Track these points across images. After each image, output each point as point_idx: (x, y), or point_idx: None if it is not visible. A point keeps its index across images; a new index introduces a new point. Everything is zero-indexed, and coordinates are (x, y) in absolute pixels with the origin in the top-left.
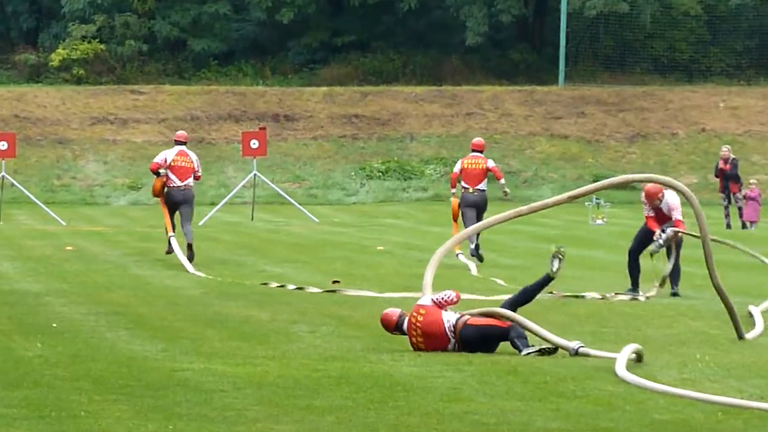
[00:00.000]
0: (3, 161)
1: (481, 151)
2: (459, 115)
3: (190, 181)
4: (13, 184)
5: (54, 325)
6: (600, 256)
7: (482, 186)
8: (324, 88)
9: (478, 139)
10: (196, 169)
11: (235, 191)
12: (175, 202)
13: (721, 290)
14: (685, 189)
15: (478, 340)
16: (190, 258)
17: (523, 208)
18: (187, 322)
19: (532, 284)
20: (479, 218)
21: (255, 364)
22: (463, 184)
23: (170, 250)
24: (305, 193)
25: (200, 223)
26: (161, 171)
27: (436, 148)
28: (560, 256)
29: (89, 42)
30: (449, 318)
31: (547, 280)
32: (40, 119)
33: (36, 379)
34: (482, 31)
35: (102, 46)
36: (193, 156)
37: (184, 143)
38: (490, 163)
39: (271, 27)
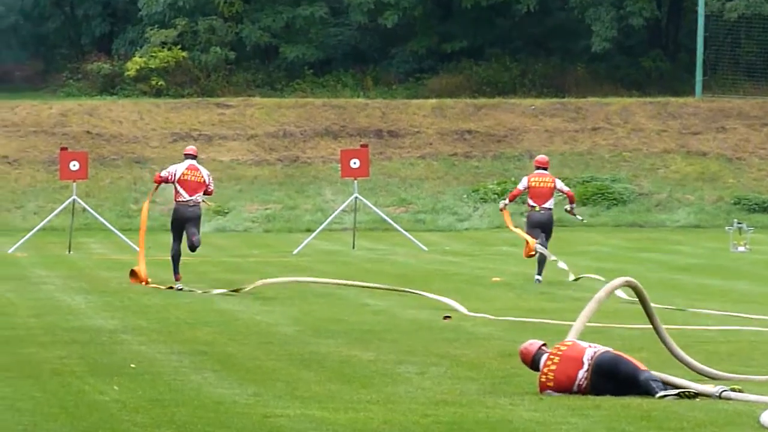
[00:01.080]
0: (74, 183)
1: (545, 168)
2: (584, 130)
3: (200, 197)
4: (84, 209)
5: (132, 365)
6: (743, 288)
7: (549, 204)
8: (432, 101)
9: (542, 156)
10: (208, 184)
11: (333, 216)
12: (183, 218)
13: None
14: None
15: (611, 369)
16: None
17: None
18: (280, 362)
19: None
20: (546, 237)
21: (357, 409)
22: (529, 202)
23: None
24: (412, 218)
25: (294, 252)
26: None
27: (558, 167)
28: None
29: (169, 49)
30: (596, 348)
31: None
32: (115, 136)
33: (113, 427)
34: (610, 36)
35: (184, 54)
36: (203, 170)
37: (194, 157)
38: (559, 184)
39: (373, 32)
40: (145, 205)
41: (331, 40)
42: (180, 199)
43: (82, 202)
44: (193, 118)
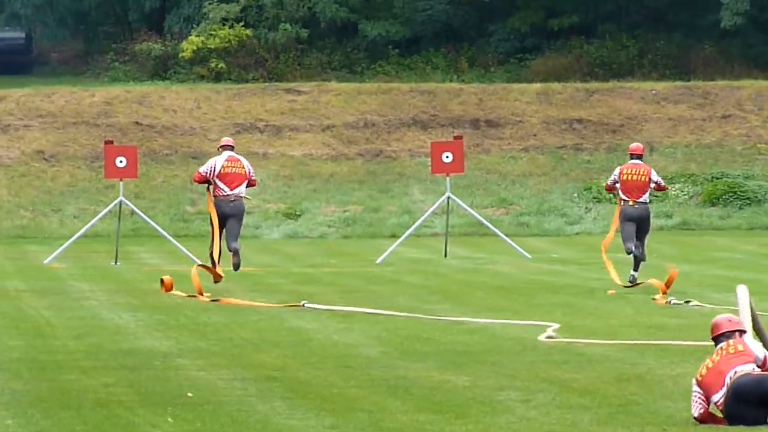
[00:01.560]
0: (121, 183)
1: (640, 157)
2: (712, 118)
3: (242, 190)
4: (134, 212)
5: (189, 394)
6: None
7: (645, 198)
8: (537, 85)
9: (636, 144)
10: (250, 175)
11: (422, 219)
12: (224, 214)
13: None
14: None
15: (748, 393)
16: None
17: None
18: (362, 389)
19: None
20: (640, 234)
21: None
22: (621, 195)
23: (217, 279)
24: (514, 221)
25: (378, 261)
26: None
27: (683, 161)
28: None
29: (231, 26)
30: (747, 367)
31: None
32: (168, 127)
33: None
34: (743, 10)
35: (248, 32)
36: (244, 161)
37: (232, 148)
38: (654, 176)
39: (468, 6)
40: (213, 214)
41: (419, 16)
42: (220, 194)
43: (131, 204)
44: (259, 107)
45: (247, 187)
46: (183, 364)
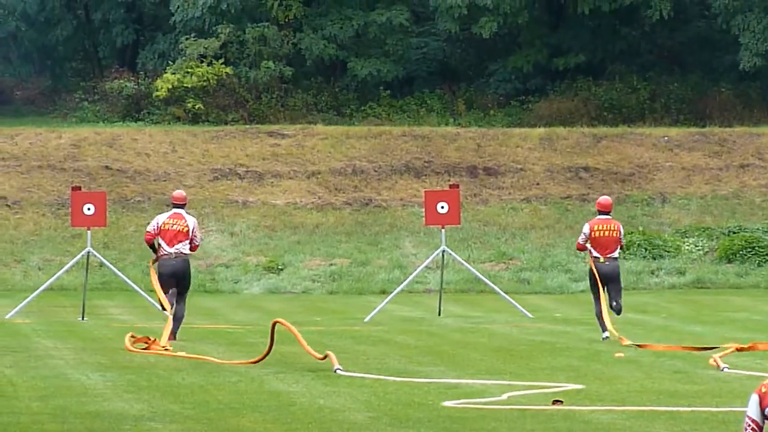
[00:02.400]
0: (89, 232)
1: (609, 213)
2: (729, 167)
3: (184, 247)
4: (102, 264)
5: None
6: None
7: (615, 254)
8: (540, 130)
9: (606, 199)
10: (194, 235)
11: (415, 274)
12: (165, 275)
13: None
14: None
15: None
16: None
17: None
18: None
19: None
20: (613, 291)
21: None
22: (592, 252)
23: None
24: (514, 277)
25: (367, 319)
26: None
27: (698, 213)
28: None
29: (210, 64)
30: None
31: None
32: (141, 172)
33: None
34: (763, 50)
35: (228, 70)
36: (190, 220)
37: (182, 206)
38: (622, 229)
39: (466, 44)
40: (154, 281)
41: (413, 54)
42: (161, 252)
43: (99, 255)
44: (239, 151)
45: (189, 249)
46: (155, 429)
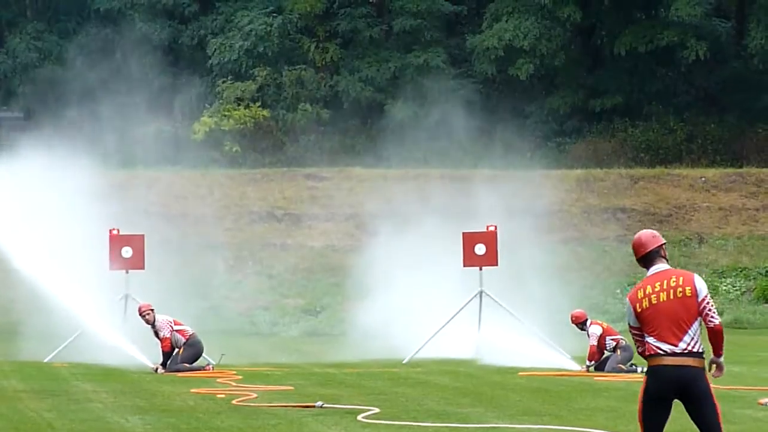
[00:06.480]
0: (127, 274)
1: (579, 324)
2: (767, 207)
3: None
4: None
5: None
6: None
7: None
8: (578, 171)
9: (578, 311)
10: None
11: (453, 316)
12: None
13: None
14: None
15: None
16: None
17: None
18: None
19: None
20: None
21: None
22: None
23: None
24: (552, 319)
25: (405, 361)
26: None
27: (735, 254)
28: None
29: (247, 106)
30: None
31: None
32: (178, 215)
33: None
34: None
35: (265, 113)
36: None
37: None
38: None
39: (502, 85)
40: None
41: (449, 96)
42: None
43: (137, 298)
44: (277, 193)
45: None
46: None
